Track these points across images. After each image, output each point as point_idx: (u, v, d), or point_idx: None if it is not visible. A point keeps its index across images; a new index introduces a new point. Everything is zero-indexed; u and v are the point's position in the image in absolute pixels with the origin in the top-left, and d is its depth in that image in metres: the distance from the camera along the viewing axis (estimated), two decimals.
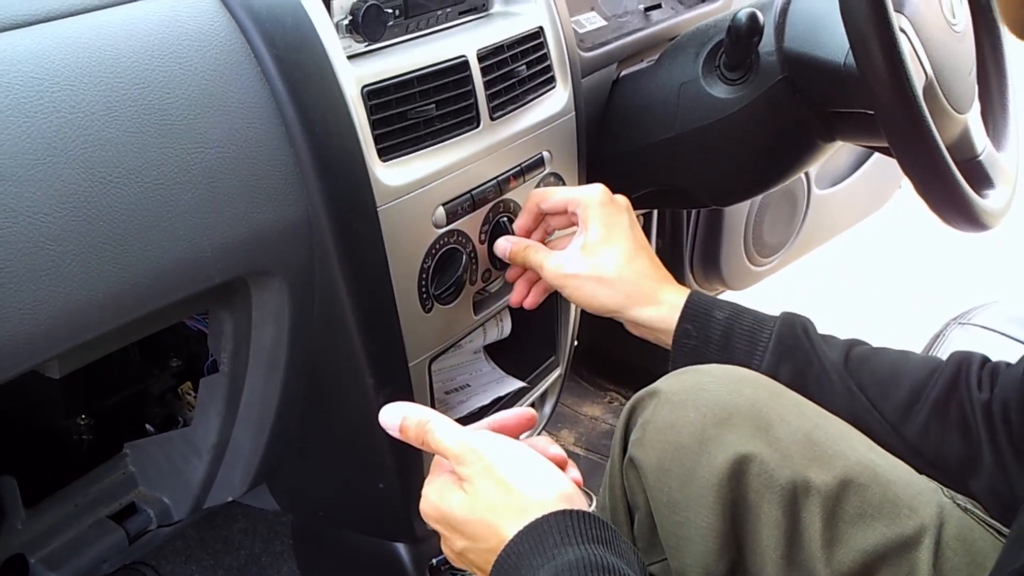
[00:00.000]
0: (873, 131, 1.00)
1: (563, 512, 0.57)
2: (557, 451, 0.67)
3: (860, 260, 2.43)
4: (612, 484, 0.74)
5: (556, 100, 1.01)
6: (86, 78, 0.65)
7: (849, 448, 0.65)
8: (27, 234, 0.61)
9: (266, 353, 0.86)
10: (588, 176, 1.09)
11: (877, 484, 0.63)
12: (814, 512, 0.62)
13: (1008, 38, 1.10)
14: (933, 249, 2.37)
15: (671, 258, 1.62)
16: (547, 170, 1.01)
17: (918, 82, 0.84)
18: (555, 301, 1.12)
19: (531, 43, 0.97)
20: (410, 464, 0.96)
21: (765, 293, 1.85)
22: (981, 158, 1.02)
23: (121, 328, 0.69)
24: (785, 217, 1.68)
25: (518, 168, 0.96)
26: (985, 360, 0.75)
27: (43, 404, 1.01)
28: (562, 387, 1.21)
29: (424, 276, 0.88)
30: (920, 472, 0.69)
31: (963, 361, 0.75)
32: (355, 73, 0.80)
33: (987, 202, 0.93)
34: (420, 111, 0.85)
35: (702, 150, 1.08)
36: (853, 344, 0.78)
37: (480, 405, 1.07)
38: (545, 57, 0.99)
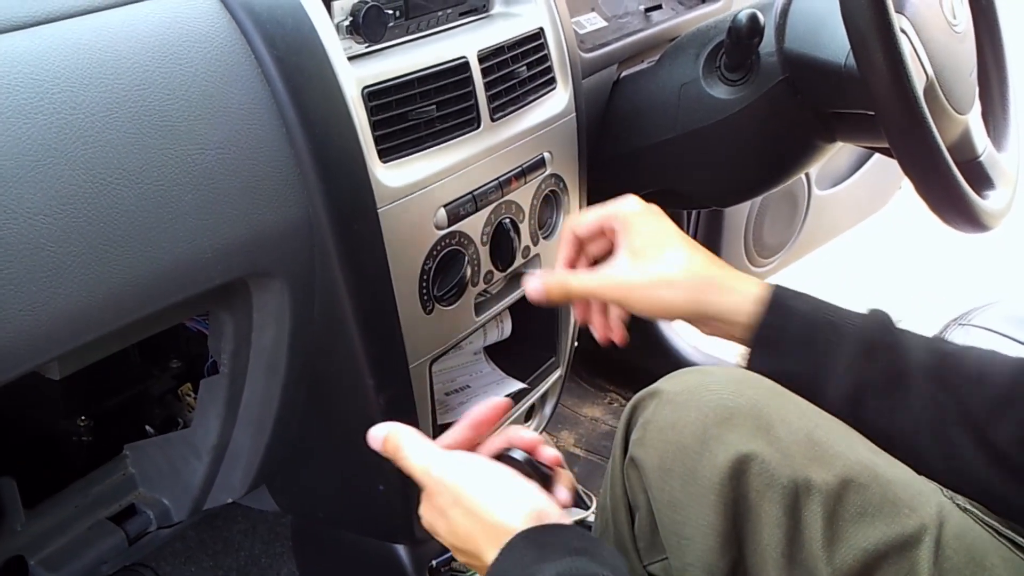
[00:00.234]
0: (873, 132, 1.00)
1: (535, 529, 0.58)
2: (552, 454, 0.68)
3: (860, 261, 2.43)
4: (613, 484, 0.74)
5: (557, 101, 1.01)
6: (86, 80, 0.65)
7: (849, 448, 0.65)
8: (27, 235, 0.60)
9: (266, 354, 0.86)
10: (589, 177, 1.09)
11: (877, 484, 0.63)
12: (815, 511, 0.62)
13: (1008, 39, 1.10)
14: (933, 250, 2.37)
15: None
16: (548, 171, 1.01)
17: (919, 83, 0.84)
18: None
19: (531, 44, 0.97)
20: None
21: None
22: (982, 159, 1.02)
23: (121, 329, 0.68)
24: (785, 218, 1.68)
25: (519, 169, 0.96)
26: None
27: (43, 405, 1.01)
28: (562, 388, 1.21)
29: (425, 278, 0.88)
30: (1005, 485, 0.64)
31: None
32: (356, 74, 0.80)
33: (987, 203, 0.93)
34: (421, 112, 0.85)
35: (702, 151, 1.08)
36: (940, 343, 0.73)
37: None
38: (546, 58, 0.99)
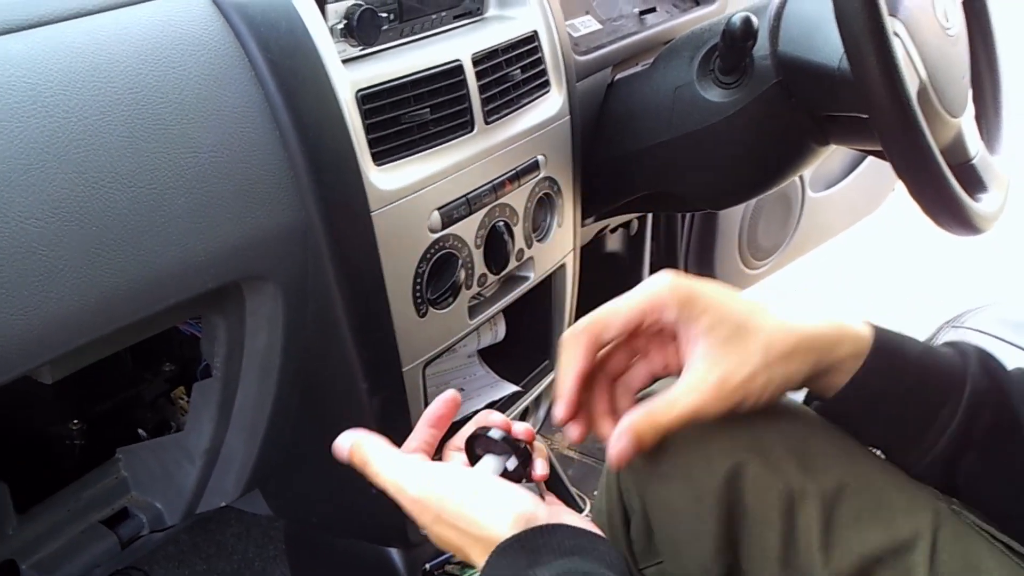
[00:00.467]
0: (867, 135, 1.01)
1: (524, 534, 0.55)
2: (525, 427, 0.65)
3: (854, 263, 2.44)
4: (608, 487, 0.73)
5: (551, 104, 1.01)
6: (79, 83, 0.64)
7: (844, 455, 0.64)
8: (19, 239, 0.60)
9: (259, 358, 0.86)
10: (583, 180, 1.08)
11: (872, 489, 0.63)
12: (811, 516, 0.62)
13: (1001, 42, 1.10)
14: (926, 252, 2.38)
15: (665, 262, 1.62)
16: (542, 174, 1.01)
17: (912, 86, 0.84)
18: (548, 304, 1.12)
19: (526, 47, 0.97)
20: None
21: (759, 296, 1.86)
22: (975, 162, 1.02)
23: (114, 333, 0.68)
24: (780, 220, 1.68)
25: (513, 172, 0.96)
26: None
27: (35, 409, 1.00)
28: None
29: (419, 281, 0.88)
30: None
31: None
32: (349, 77, 0.80)
33: (980, 206, 0.94)
34: (414, 115, 0.85)
35: (697, 154, 1.08)
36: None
37: (474, 409, 1.07)
38: (540, 61, 0.99)
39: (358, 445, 0.64)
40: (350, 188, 0.80)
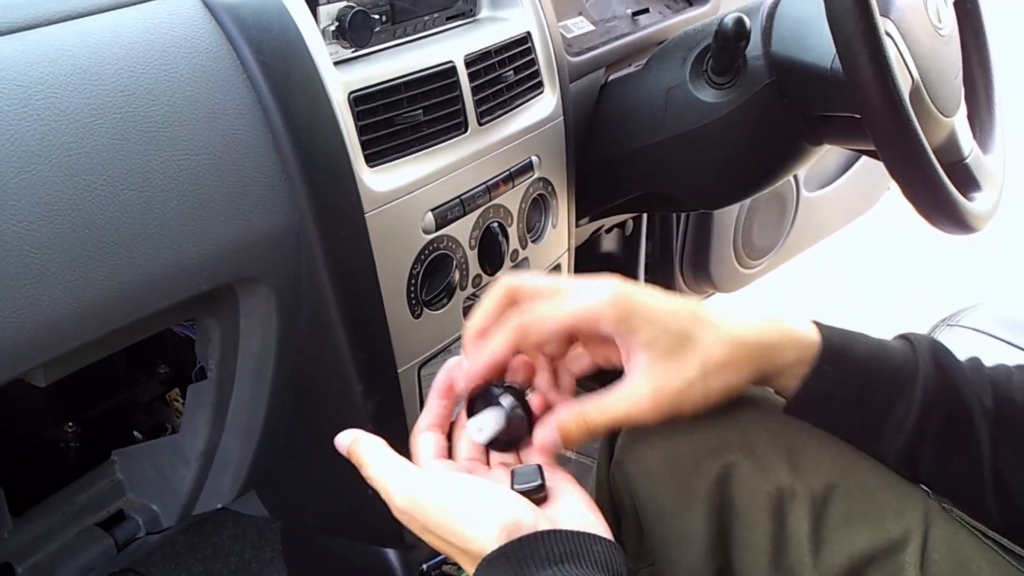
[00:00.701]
0: (860, 134, 1.01)
1: (510, 545, 0.53)
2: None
3: (848, 262, 2.44)
4: (599, 489, 0.73)
5: (544, 105, 1.01)
6: (71, 85, 0.64)
7: (834, 455, 0.65)
8: (10, 242, 0.60)
9: (254, 360, 0.86)
10: (577, 181, 1.09)
11: (862, 489, 0.63)
12: (801, 517, 0.62)
13: (993, 41, 1.10)
14: (921, 251, 2.38)
15: (661, 262, 1.62)
16: (536, 175, 1.01)
17: (904, 86, 0.84)
18: None
19: (518, 48, 0.97)
20: None
21: (754, 296, 1.86)
22: (968, 161, 1.02)
23: (107, 336, 0.68)
24: (774, 220, 1.68)
25: (507, 173, 0.96)
26: None
27: (29, 412, 1.00)
28: None
29: (413, 282, 0.88)
30: None
31: None
32: (342, 79, 0.80)
33: (974, 205, 0.94)
34: (407, 117, 0.85)
35: (690, 154, 1.08)
36: (1004, 380, 0.62)
37: None
38: (533, 62, 0.99)
39: (356, 443, 0.63)
40: (343, 190, 0.80)
